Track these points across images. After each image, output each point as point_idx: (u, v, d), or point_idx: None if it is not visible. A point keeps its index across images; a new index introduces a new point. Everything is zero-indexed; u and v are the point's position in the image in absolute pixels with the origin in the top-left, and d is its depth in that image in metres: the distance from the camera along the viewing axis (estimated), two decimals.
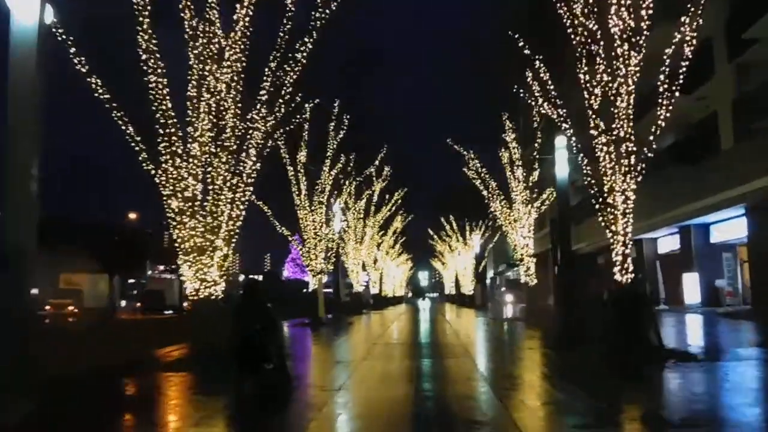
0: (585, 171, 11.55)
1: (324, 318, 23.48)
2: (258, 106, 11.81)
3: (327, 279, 36.35)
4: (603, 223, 11.10)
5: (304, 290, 24.48)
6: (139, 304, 42.94)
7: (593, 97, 11.21)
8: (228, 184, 11.50)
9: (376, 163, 23.85)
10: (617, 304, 10.45)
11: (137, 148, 10.80)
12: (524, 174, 21.23)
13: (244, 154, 11.99)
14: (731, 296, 22.28)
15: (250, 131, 12.00)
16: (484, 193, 22.68)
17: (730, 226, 21.60)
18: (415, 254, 72.54)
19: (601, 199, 11.17)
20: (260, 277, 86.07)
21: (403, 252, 61.76)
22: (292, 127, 13.19)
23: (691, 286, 23.58)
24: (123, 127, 10.65)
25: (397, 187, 36.47)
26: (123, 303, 52.05)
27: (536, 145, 20.68)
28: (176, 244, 11.17)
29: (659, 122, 10.49)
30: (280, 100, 12.11)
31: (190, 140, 11.13)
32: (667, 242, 26.85)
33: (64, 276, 35.85)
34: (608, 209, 10.99)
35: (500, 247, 49.78)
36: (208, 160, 11.31)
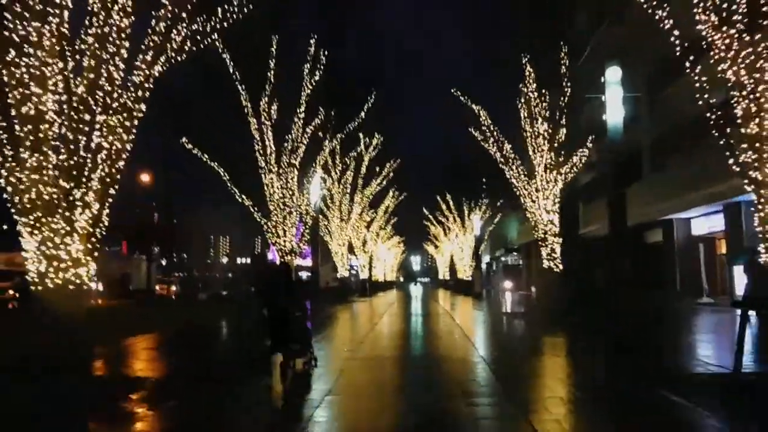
0: (698, 82, 7.00)
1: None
2: None
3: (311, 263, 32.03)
4: (736, 168, 6.60)
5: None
6: (101, 288, 38.37)
7: None
8: (104, 98, 6.89)
9: (363, 114, 19.11)
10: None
11: None
12: (550, 130, 16.65)
13: (140, 57, 7.38)
14: None
15: (154, 21, 7.40)
16: (497, 156, 18.06)
17: None
18: (407, 237, 68.20)
19: (728, 129, 6.66)
20: (248, 260, 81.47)
21: (395, 234, 57.35)
22: (223, 26, 8.46)
23: (742, 275, 19.32)
24: None
25: (388, 158, 32.03)
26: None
27: (566, 89, 16.10)
28: (7, 196, 6.56)
29: None
30: None
31: (28, 20, 6.48)
32: (703, 223, 22.50)
33: (5, 256, 30.87)
34: (746, 143, 6.49)
35: (498, 231, 45.57)
36: (65, 55, 6.68)
